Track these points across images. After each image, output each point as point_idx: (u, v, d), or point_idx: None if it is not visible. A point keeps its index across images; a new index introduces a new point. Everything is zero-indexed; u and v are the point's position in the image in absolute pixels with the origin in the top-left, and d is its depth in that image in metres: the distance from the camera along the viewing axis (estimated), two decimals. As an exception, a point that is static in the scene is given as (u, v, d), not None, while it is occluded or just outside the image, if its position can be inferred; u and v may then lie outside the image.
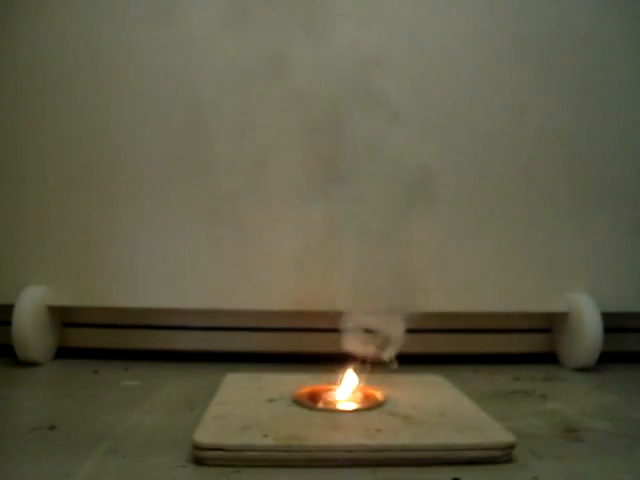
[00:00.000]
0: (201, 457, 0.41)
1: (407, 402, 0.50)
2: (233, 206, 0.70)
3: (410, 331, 0.74)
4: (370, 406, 0.49)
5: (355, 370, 0.54)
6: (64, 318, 0.74)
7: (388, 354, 0.54)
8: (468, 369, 0.69)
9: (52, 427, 0.48)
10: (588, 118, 0.72)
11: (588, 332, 0.68)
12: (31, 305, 0.67)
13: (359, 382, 0.54)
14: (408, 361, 0.65)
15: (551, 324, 0.76)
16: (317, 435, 0.42)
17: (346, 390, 0.52)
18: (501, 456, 0.42)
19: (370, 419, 0.46)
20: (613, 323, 0.71)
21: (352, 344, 0.54)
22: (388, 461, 0.41)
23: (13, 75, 0.70)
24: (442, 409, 0.48)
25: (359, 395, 0.52)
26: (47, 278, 0.69)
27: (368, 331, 0.55)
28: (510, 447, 0.42)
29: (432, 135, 0.70)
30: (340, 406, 0.49)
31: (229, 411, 0.47)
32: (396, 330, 0.55)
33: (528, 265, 0.71)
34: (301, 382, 0.55)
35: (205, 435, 0.42)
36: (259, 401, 0.50)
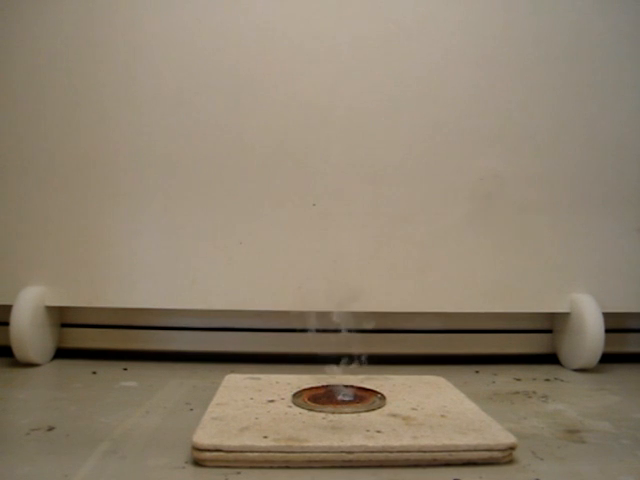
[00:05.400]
0: (200, 458, 0.40)
1: (407, 403, 0.50)
2: (232, 207, 0.70)
3: (411, 331, 0.74)
4: (370, 407, 0.49)
5: (354, 370, 0.53)
6: (62, 318, 0.74)
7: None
8: (469, 370, 0.69)
9: (51, 428, 0.48)
10: (588, 119, 0.72)
11: (589, 333, 0.68)
12: (29, 305, 0.67)
13: (359, 382, 0.54)
14: (409, 361, 0.65)
15: (552, 325, 0.76)
16: (317, 436, 0.42)
17: (346, 391, 0.52)
18: (502, 457, 0.41)
19: (370, 420, 0.46)
20: (614, 324, 0.71)
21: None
22: (388, 462, 0.41)
23: (13, 74, 0.69)
24: (443, 410, 0.48)
25: (359, 396, 0.51)
26: (45, 278, 0.69)
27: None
28: (511, 448, 0.42)
29: (431, 134, 0.71)
30: (340, 407, 0.49)
31: (228, 412, 0.47)
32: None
33: (529, 265, 0.71)
34: (301, 383, 0.55)
35: (204, 436, 0.41)
36: (259, 402, 0.50)
